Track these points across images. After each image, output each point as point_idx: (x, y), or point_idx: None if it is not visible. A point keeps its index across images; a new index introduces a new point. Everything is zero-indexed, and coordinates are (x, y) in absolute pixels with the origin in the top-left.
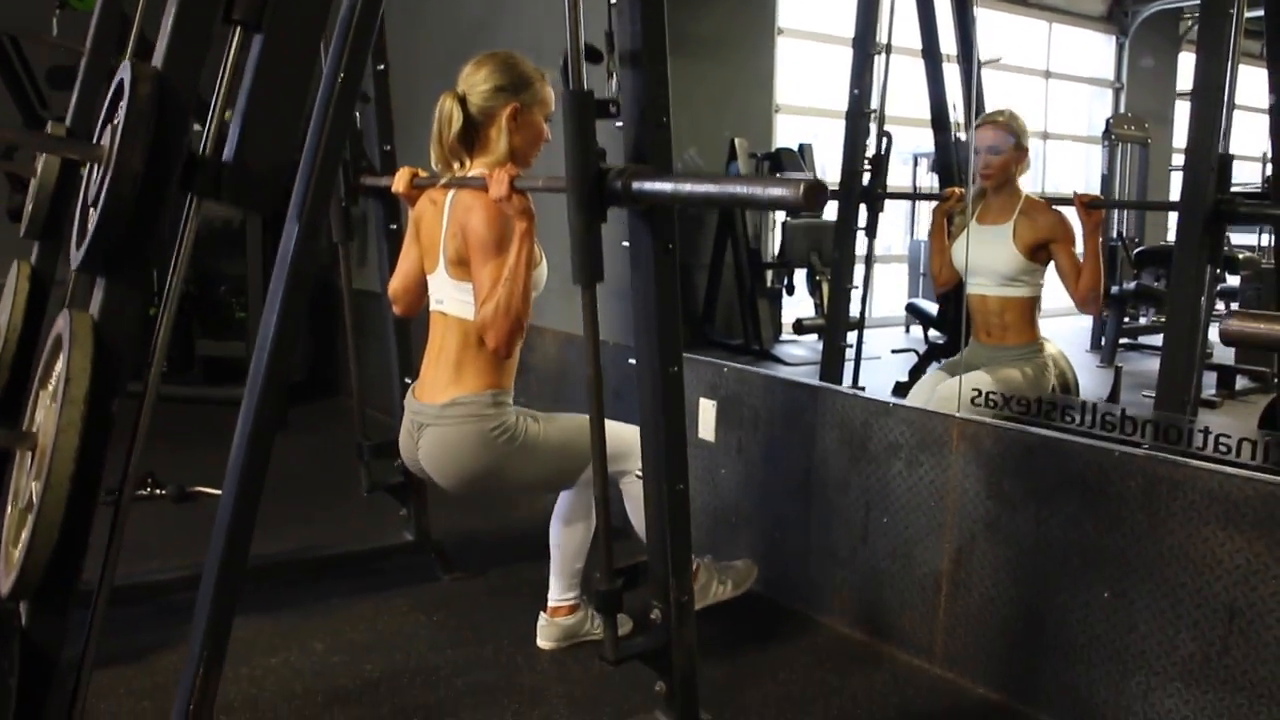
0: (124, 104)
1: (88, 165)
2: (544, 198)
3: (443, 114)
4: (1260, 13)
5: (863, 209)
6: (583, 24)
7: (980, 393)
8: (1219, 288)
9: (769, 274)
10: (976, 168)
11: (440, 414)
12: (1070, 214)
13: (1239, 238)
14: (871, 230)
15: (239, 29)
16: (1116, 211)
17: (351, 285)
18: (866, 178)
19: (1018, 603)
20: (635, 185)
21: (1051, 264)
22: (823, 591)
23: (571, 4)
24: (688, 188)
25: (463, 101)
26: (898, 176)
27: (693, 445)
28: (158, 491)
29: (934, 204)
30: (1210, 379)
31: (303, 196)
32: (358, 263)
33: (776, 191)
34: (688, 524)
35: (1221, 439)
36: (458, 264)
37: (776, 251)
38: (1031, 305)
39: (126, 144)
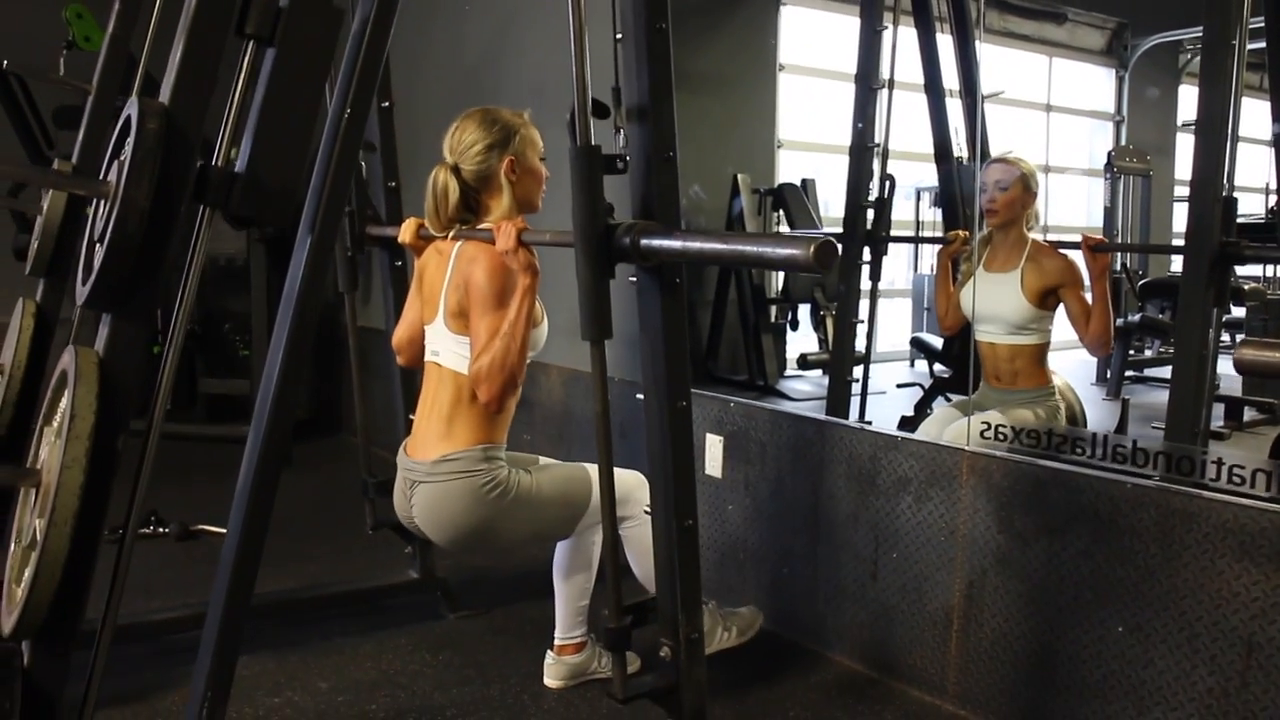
0: (131, 140)
1: (94, 203)
2: (551, 250)
3: (438, 187)
4: (1261, 45)
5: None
6: (589, 78)
7: (989, 425)
8: (1225, 319)
9: (773, 309)
10: (982, 205)
11: (431, 471)
12: (1076, 257)
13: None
14: (875, 273)
15: (251, 43)
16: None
17: (356, 326)
18: (870, 220)
19: (1031, 638)
20: (644, 242)
21: (1061, 308)
22: (832, 627)
23: (578, 59)
24: (696, 245)
25: (456, 171)
26: (901, 211)
27: (700, 481)
28: (160, 530)
29: (937, 248)
30: (1218, 410)
31: (312, 218)
32: (362, 301)
33: (787, 251)
34: (697, 560)
35: (1235, 470)
36: (457, 316)
37: (780, 287)
38: (1042, 351)
39: (133, 180)
